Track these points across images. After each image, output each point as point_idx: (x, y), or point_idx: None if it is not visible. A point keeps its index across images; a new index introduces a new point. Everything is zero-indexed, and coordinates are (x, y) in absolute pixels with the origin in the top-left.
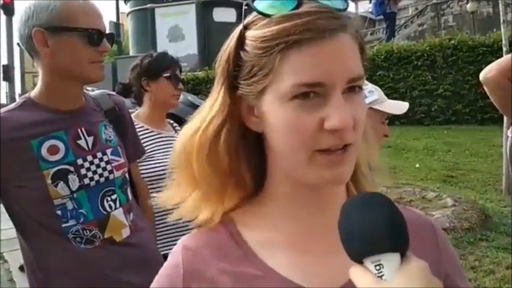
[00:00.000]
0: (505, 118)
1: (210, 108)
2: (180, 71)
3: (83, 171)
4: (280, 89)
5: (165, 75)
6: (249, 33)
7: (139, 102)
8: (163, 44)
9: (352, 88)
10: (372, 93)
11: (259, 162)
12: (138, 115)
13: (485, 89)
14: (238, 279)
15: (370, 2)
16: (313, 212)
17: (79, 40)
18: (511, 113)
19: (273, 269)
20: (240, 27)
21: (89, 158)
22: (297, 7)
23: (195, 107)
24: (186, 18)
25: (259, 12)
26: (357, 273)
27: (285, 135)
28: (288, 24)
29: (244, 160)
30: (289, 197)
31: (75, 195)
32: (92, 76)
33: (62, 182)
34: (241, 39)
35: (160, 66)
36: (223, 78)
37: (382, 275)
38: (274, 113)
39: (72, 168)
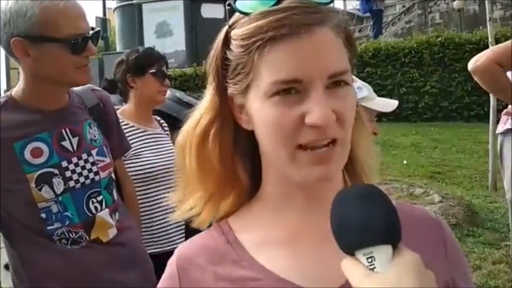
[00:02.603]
0: (491, 115)
1: (201, 108)
2: (167, 67)
3: (68, 173)
4: (260, 86)
5: (150, 71)
6: (233, 33)
7: (125, 99)
8: (150, 40)
9: (337, 83)
10: (361, 90)
11: (255, 162)
12: (124, 112)
13: (476, 78)
14: (235, 284)
15: None
16: (309, 210)
17: (62, 49)
18: (507, 95)
19: (269, 270)
20: (226, 27)
21: (74, 159)
22: (276, 3)
23: (182, 103)
24: (174, 14)
25: (239, 11)
26: (348, 265)
27: (268, 132)
28: (263, 22)
29: (239, 160)
30: (283, 195)
31: (60, 198)
32: (77, 81)
33: (46, 186)
34: (226, 39)
35: (146, 63)
36: (213, 78)
37: (374, 268)
38: (258, 111)
39: (56, 171)
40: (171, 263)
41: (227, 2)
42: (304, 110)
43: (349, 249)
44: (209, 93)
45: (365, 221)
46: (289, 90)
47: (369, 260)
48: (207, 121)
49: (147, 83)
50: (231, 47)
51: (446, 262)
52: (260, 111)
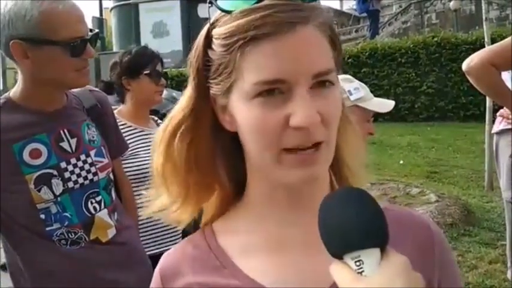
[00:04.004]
0: (487, 115)
1: (176, 108)
2: (162, 65)
3: (67, 174)
4: (243, 87)
5: (145, 72)
6: (214, 31)
7: (122, 100)
8: (147, 40)
9: (322, 83)
10: (358, 90)
11: (238, 164)
12: (121, 112)
13: (470, 78)
14: None
15: None
16: (294, 213)
17: (61, 52)
18: (499, 96)
19: (252, 279)
20: (207, 25)
21: (73, 160)
22: (259, 1)
23: None
24: (171, 14)
25: (220, 9)
26: (337, 269)
27: (251, 134)
28: (245, 20)
29: (220, 162)
30: (268, 197)
31: (59, 199)
32: (77, 83)
33: (45, 187)
34: (208, 38)
35: (139, 64)
36: (193, 77)
37: (362, 271)
38: (240, 112)
39: (55, 172)
40: (155, 274)
41: (208, 0)
42: (288, 111)
43: (337, 253)
44: (187, 92)
45: (352, 225)
46: (273, 91)
47: (357, 263)
48: (178, 120)
49: (142, 85)
50: (213, 46)
51: (433, 266)
52: (243, 113)
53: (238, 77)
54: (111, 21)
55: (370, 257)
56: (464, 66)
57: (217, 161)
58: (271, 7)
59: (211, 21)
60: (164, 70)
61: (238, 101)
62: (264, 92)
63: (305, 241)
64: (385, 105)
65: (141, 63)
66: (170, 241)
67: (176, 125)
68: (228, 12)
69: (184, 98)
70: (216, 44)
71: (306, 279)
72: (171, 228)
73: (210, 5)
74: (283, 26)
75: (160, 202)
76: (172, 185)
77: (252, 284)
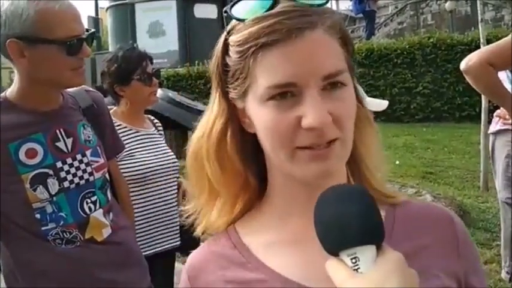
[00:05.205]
0: (482, 116)
1: (210, 114)
2: (151, 62)
3: (63, 174)
4: (257, 91)
5: (135, 77)
6: (230, 39)
7: (117, 103)
8: (143, 40)
9: (334, 84)
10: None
11: (261, 165)
12: (116, 113)
13: (468, 78)
14: (243, 285)
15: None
16: (311, 209)
17: (57, 51)
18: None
19: (275, 271)
20: (224, 33)
21: (69, 160)
22: (270, 8)
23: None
24: (167, 14)
25: (234, 18)
26: (332, 266)
27: (266, 136)
28: (256, 28)
29: (246, 162)
30: (287, 195)
31: (54, 198)
32: (72, 82)
33: (41, 186)
34: (225, 45)
35: (127, 71)
36: (216, 83)
37: (358, 268)
38: (256, 115)
39: (51, 172)
40: (183, 275)
41: (224, 9)
42: (300, 113)
43: (333, 250)
44: (215, 99)
45: (348, 222)
46: (285, 94)
47: (353, 260)
48: (221, 125)
49: (135, 89)
50: (229, 53)
51: (458, 258)
52: (258, 115)
53: (252, 82)
54: (107, 20)
55: (365, 254)
56: (463, 65)
57: (243, 162)
58: (281, 14)
59: (228, 29)
60: (156, 68)
61: (254, 103)
62: (276, 95)
63: None
64: (379, 104)
65: (129, 69)
66: (165, 242)
67: (222, 129)
68: (242, 20)
69: (215, 105)
70: (232, 50)
71: (325, 273)
72: (166, 229)
73: (225, 14)
74: (292, 32)
75: (215, 212)
76: (232, 187)
77: (277, 277)
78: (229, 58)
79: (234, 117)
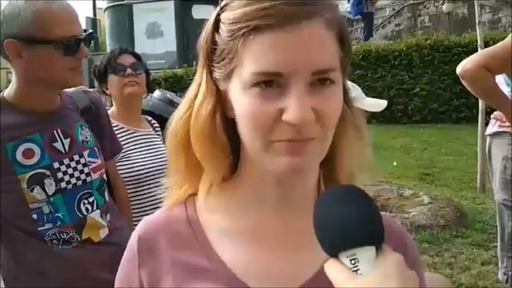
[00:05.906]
0: (479, 117)
1: (197, 91)
2: (125, 52)
3: (60, 175)
4: (242, 75)
5: (109, 72)
6: (222, 15)
7: (110, 104)
8: (141, 41)
9: (323, 80)
10: (350, 91)
11: (236, 147)
12: (112, 113)
13: (465, 83)
14: (188, 271)
15: (348, 1)
16: (278, 206)
17: (55, 51)
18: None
19: (224, 263)
20: (218, 8)
21: (66, 161)
22: None
23: (173, 104)
24: (165, 14)
25: None
26: (332, 267)
27: (245, 123)
28: (250, 8)
29: (222, 143)
30: (255, 186)
31: (51, 199)
32: (70, 83)
33: (38, 187)
34: (217, 21)
35: (104, 66)
36: (203, 60)
37: (358, 269)
38: (238, 100)
39: (48, 172)
40: (132, 240)
41: None
42: (283, 105)
43: (332, 251)
44: (202, 76)
45: (347, 223)
46: (271, 82)
47: (353, 261)
48: (212, 105)
49: (111, 84)
50: (220, 30)
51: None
52: (239, 101)
53: (238, 64)
54: (105, 21)
55: (365, 255)
56: (459, 70)
57: (223, 139)
58: None
59: (221, 5)
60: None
61: (237, 88)
62: (261, 83)
63: (284, 235)
64: (378, 104)
65: (105, 65)
66: None
67: (212, 107)
68: None
69: (202, 83)
70: (223, 28)
71: (278, 273)
72: None
73: None
74: (287, 18)
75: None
76: (195, 152)
77: (223, 271)
78: (218, 36)
79: (222, 99)
